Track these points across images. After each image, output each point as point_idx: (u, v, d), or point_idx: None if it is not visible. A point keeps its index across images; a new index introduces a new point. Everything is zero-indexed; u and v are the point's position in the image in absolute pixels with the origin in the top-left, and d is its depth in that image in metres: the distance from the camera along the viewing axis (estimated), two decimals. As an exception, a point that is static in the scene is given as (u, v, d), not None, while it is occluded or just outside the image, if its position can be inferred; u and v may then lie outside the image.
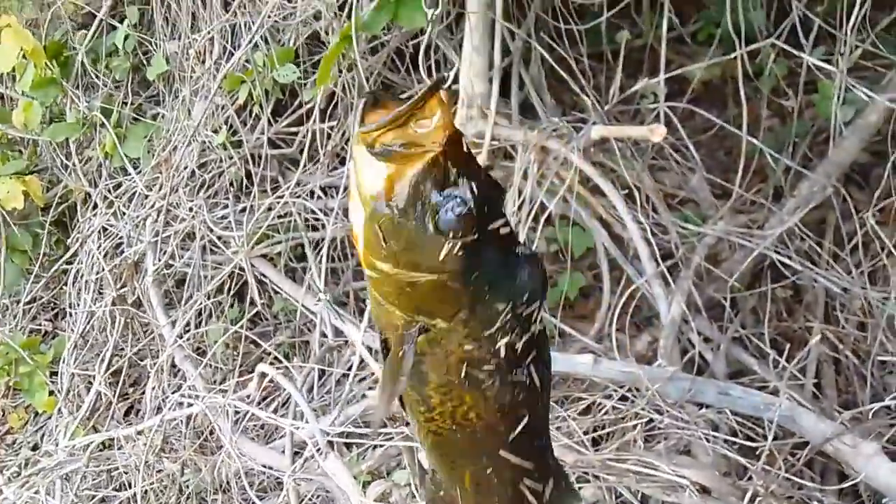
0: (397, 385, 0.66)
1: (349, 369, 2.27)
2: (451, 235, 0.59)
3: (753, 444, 1.76)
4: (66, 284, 3.09)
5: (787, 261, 2.07)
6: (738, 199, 2.30)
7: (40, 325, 3.42)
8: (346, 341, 2.38)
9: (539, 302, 0.66)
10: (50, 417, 2.76)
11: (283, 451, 1.84)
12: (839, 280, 2.05)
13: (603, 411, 1.88)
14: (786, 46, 1.97)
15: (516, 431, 0.71)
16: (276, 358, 2.46)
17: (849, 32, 1.85)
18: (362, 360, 2.11)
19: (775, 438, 1.89)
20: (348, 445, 2.12)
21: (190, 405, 2.11)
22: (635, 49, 2.75)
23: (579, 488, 1.64)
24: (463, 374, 0.66)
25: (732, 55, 2.06)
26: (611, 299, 2.31)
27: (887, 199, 2.15)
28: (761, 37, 2.19)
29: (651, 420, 1.85)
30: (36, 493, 2.10)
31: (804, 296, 2.27)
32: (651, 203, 2.26)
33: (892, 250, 1.92)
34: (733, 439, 1.78)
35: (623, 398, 1.89)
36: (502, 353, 0.65)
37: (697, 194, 2.45)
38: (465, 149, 0.60)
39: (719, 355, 2.06)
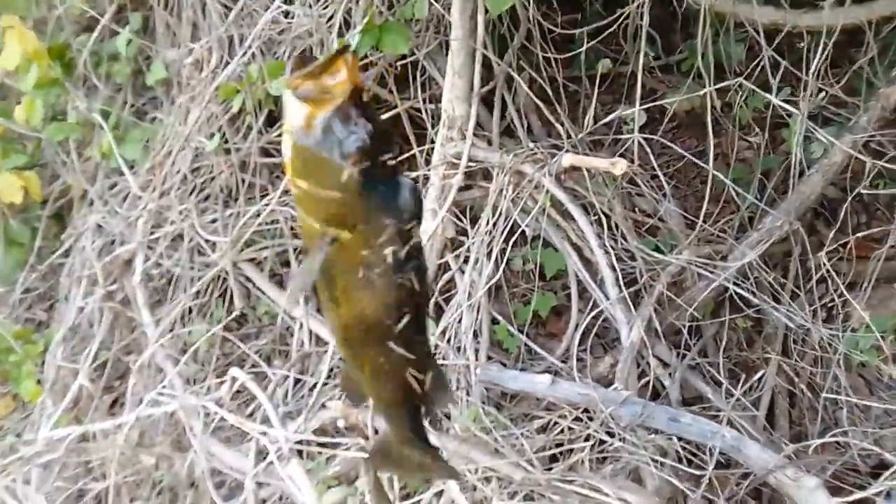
0: (307, 277, 0.85)
1: (329, 375, 2.37)
2: (350, 162, 0.76)
3: (699, 472, 1.83)
4: (61, 276, 3.20)
5: (745, 294, 2.13)
6: (706, 229, 2.37)
7: (35, 314, 3.53)
8: (326, 349, 2.46)
9: (416, 221, 0.83)
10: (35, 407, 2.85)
11: (249, 454, 1.92)
12: (796, 315, 2.11)
13: (557, 431, 1.95)
14: (752, 86, 2.04)
15: (400, 326, 0.88)
16: (255, 362, 2.55)
17: (811, 78, 1.92)
18: (332, 369, 2.19)
19: (726, 467, 1.97)
20: (321, 450, 2.21)
21: (166, 403, 2.19)
22: (621, 74, 2.83)
23: (525, 505, 1.72)
24: (360, 275, 0.84)
25: (702, 92, 2.13)
26: (579, 319, 2.39)
27: (853, 235, 2.23)
28: (736, 73, 2.27)
29: (603, 442, 1.92)
30: (13, 480, 2.19)
31: (764, 327, 2.34)
32: (620, 230, 2.34)
33: (844, 291, 1.98)
34: (680, 466, 1.85)
35: (578, 419, 1.96)
36: (388, 259, 0.83)
37: (668, 222, 2.52)
38: (364, 99, 0.78)
39: (675, 382, 2.13)
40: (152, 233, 2.78)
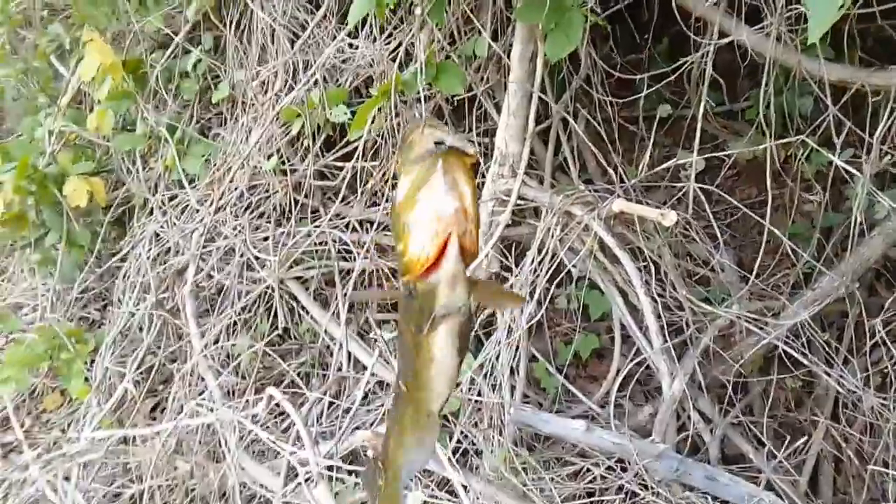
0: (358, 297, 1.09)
1: (364, 398, 2.39)
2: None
3: (732, 535, 1.77)
4: (117, 279, 3.31)
5: (795, 354, 2.07)
6: (760, 283, 2.31)
7: (90, 313, 3.65)
8: (364, 369, 2.48)
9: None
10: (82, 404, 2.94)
11: (279, 473, 1.94)
12: (847, 380, 2.03)
13: (589, 479, 1.91)
14: (815, 145, 2.00)
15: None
16: (293, 380, 2.58)
17: (875, 141, 1.86)
18: (366, 394, 2.20)
19: (762, 532, 1.90)
20: (352, 472, 2.22)
21: (204, 415, 2.23)
22: (682, 117, 2.80)
23: (549, 553, 1.69)
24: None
25: (762, 146, 2.09)
26: (620, 365, 2.35)
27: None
28: (799, 129, 2.22)
29: (636, 494, 1.88)
30: (55, 476, 2.25)
31: (815, 389, 2.26)
32: (669, 277, 2.30)
33: (900, 359, 1.90)
34: (712, 527, 1.79)
35: (611, 468, 1.93)
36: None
37: (721, 273, 2.46)
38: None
39: (715, 438, 2.07)
40: (206, 245, 2.86)
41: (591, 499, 1.88)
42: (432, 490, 1.87)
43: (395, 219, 0.78)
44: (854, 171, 1.89)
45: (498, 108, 2.48)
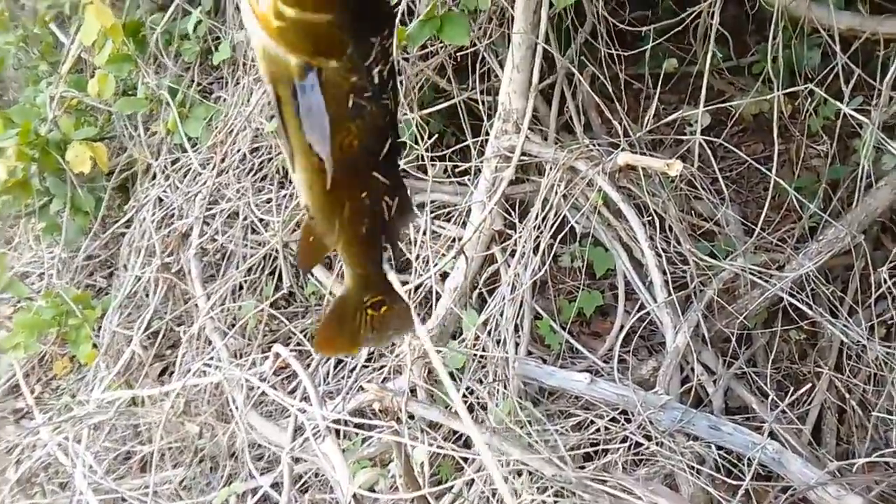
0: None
1: (369, 358, 2.41)
2: None
3: (736, 483, 1.78)
4: (122, 246, 3.32)
5: (801, 306, 2.06)
6: (764, 237, 2.31)
7: (96, 281, 3.67)
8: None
9: (391, 36, 0.76)
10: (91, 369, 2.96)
11: (287, 429, 1.96)
12: (852, 330, 2.03)
13: (593, 430, 1.93)
14: (822, 93, 1.97)
15: (385, 149, 0.82)
16: (299, 342, 2.60)
17: (885, 88, 1.84)
18: (370, 355, 2.21)
19: (766, 479, 1.92)
20: (358, 432, 2.24)
21: (212, 374, 2.25)
22: (688, 74, 2.77)
23: (555, 502, 1.71)
24: (351, 104, 0.77)
25: (769, 96, 2.07)
26: (624, 320, 2.36)
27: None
28: (807, 79, 2.20)
29: (639, 445, 1.89)
30: (65, 438, 2.28)
31: (819, 341, 2.26)
32: (674, 232, 2.29)
33: (905, 308, 1.90)
34: (717, 475, 1.81)
35: (615, 420, 1.94)
36: (375, 80, 0.76)
37: (725, 227, 2.45)
38: None
39: (719, 389, 2.08)
40: (209, 209, 2.86)
41: (596, 448, 1.90)
42: (439, 442, 1.89)
43: None
44: (863, 119, 1.86)
45: (502, 66, 2.46)
